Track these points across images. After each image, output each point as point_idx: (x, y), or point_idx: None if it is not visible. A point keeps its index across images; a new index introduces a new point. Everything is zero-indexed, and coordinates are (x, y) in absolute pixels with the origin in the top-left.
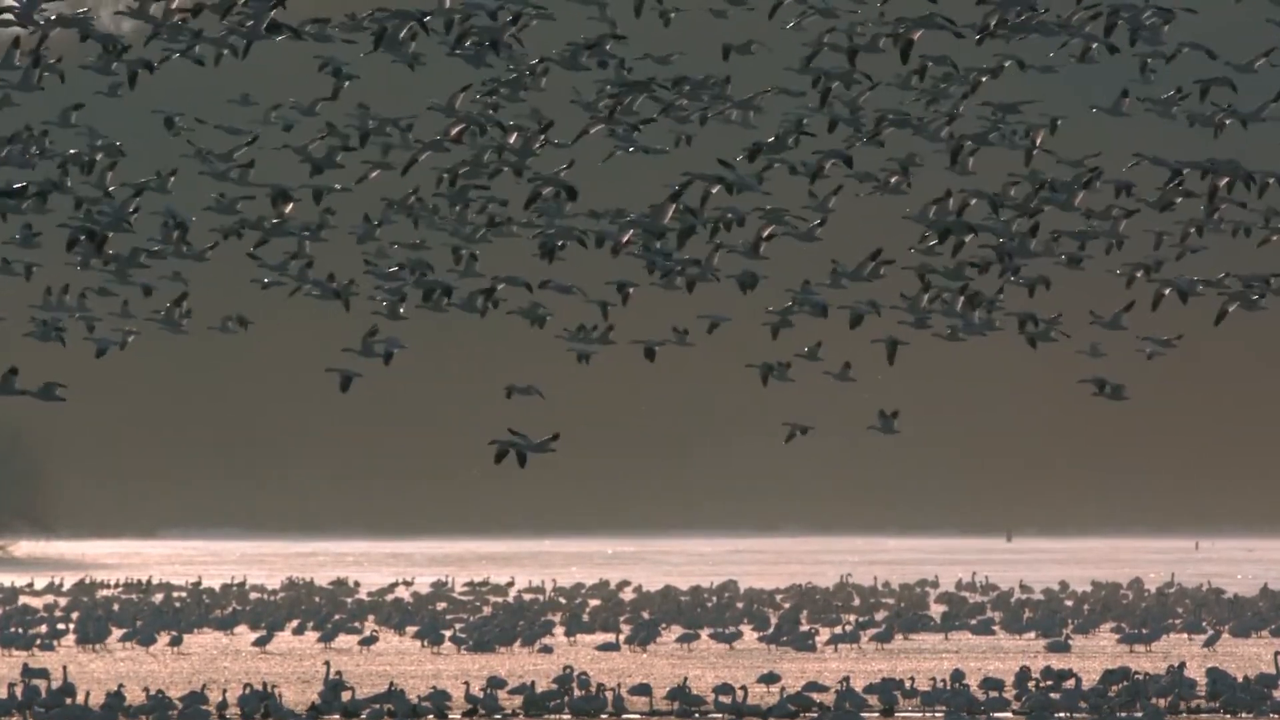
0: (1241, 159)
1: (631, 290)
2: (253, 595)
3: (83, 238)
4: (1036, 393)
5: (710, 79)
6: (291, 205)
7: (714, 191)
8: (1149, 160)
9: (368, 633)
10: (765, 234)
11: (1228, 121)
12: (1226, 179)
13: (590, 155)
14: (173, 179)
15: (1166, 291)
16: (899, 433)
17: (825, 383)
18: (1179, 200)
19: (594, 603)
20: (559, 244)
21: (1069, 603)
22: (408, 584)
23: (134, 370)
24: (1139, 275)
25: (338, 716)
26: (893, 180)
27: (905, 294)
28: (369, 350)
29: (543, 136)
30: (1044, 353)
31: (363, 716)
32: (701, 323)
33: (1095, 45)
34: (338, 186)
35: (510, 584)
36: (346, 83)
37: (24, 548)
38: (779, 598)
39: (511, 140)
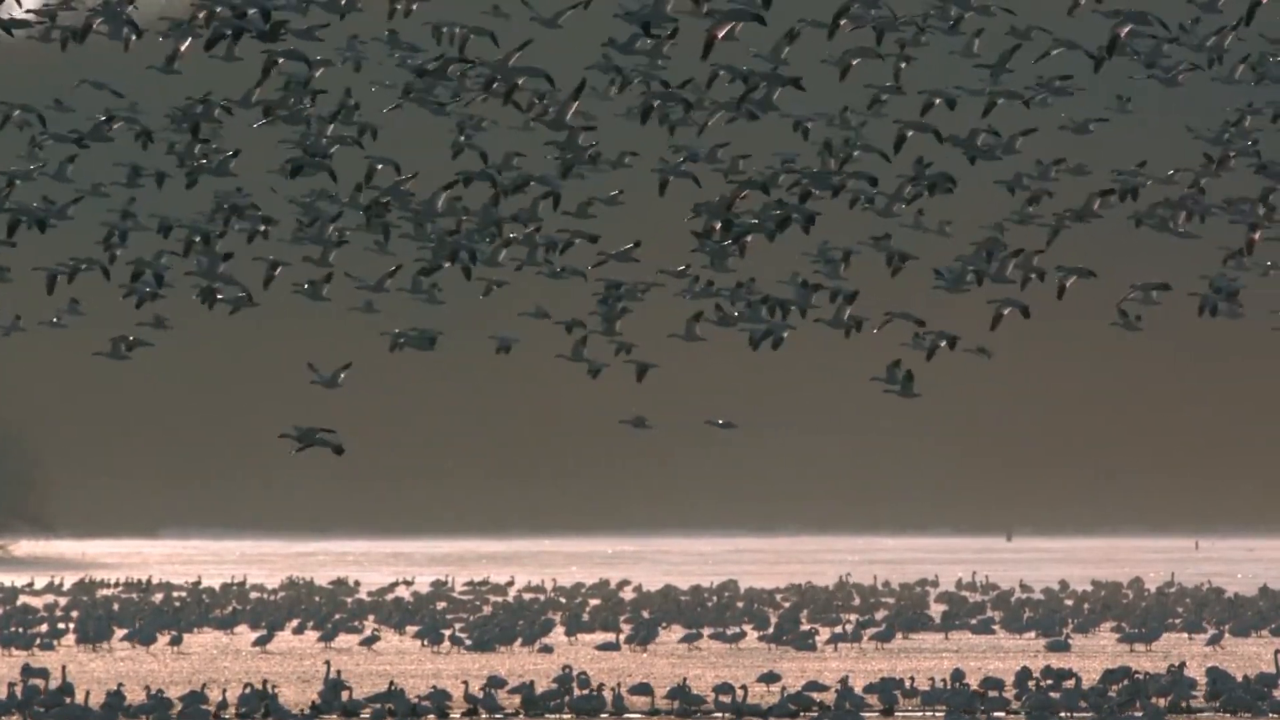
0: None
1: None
2: (253, 595)
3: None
4: (1036, 392)
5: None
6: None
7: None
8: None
9: (368, 632)
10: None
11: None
12: None
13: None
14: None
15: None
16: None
17: (823, 384)
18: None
19: (594, 602)
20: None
21: (1069, 602)
22: (408, 583)
23: (134, 370)
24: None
25: (337, 716)
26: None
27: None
28: (117, 352)
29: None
30: (1043, 352)
31: (363, 716)
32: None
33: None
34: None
35: (510, 584)
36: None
37: (24, 547)
38: (779, 597)
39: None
